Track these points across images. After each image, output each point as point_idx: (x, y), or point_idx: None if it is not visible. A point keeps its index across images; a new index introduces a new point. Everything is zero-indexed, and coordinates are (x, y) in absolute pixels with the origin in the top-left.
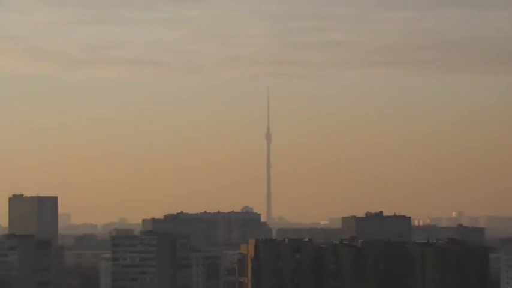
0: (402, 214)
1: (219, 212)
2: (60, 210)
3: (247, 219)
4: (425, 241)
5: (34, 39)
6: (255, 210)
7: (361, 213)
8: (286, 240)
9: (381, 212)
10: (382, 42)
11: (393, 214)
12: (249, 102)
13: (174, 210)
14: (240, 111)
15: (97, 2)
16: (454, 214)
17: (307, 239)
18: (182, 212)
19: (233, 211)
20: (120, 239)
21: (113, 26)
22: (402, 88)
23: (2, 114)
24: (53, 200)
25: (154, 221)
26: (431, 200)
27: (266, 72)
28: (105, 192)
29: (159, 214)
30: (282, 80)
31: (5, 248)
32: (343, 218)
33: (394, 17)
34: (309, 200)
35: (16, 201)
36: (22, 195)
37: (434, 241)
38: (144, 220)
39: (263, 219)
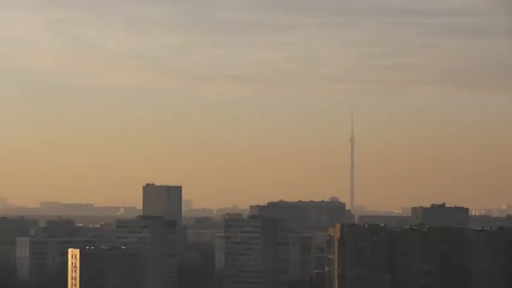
0: (461, 206)
1: (311, 201)
2: (183, 197)
3: (334, 207)
4: (480, 228)
5: (164, 59)
6: (341, 200)
7: (427, 204)
8: (366, 225)
9: (444, 204)
10: (443, 64)
11: (454, 206)
12: (336, 112)
13: (275, 199)
14: (328, 120)
15: (215, 28)
16: (503, 206)
17: (383, 225)
18: (282, 200)
19: (323, 200)
20: (232, 222)
21: (227, 49)
22: (456, 102)
23: (138, 121)
24: (178, 189)
25: (259, 207)
26: (485, 195)
27: (349, 88)
28: (220, 183)
29: (263, 202)
30: (361, 95)
31: (140, 227)
32: (413, 208)
33: (453, 44)
34: (385, 192)
35: (149, 189)
36: (153, 184)
37: (488, 228)
38: (251, 206)
39: (347, 207)
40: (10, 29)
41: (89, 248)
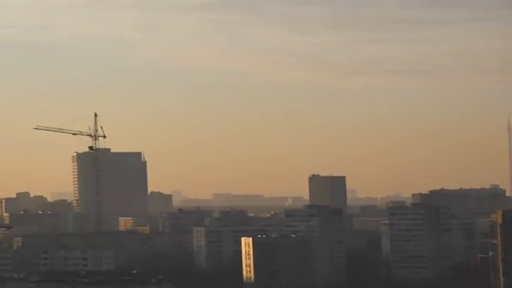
0: None
1: (472, 188)
2: (348, 186)
3: (495, 194)
4: None
5: (320, 55)
6: (501, 187)
7: None
8: None
9: None
10: None
11: None
12: (492, 102)
13: (437, 187)
14: (484, 110)
15: (369, 26)
16: None
17: None
18: (443, 188)
19: (483, 187)
20: (396, 209)
21: (383, 45)
22: None
23: (301, 115)
24: (342, 179)
25: (421, 195)
26: None
27: (504, 79)
28: (382, 173)
29: (425, 190)
30: None
31: (308, 215)
32: None
33: None
34: None
35: (314, 180)
36: (318, 175)
37: None
38: (413, 194)
39: (507, 194)
40: (175, 30)
41: (261, 236)
